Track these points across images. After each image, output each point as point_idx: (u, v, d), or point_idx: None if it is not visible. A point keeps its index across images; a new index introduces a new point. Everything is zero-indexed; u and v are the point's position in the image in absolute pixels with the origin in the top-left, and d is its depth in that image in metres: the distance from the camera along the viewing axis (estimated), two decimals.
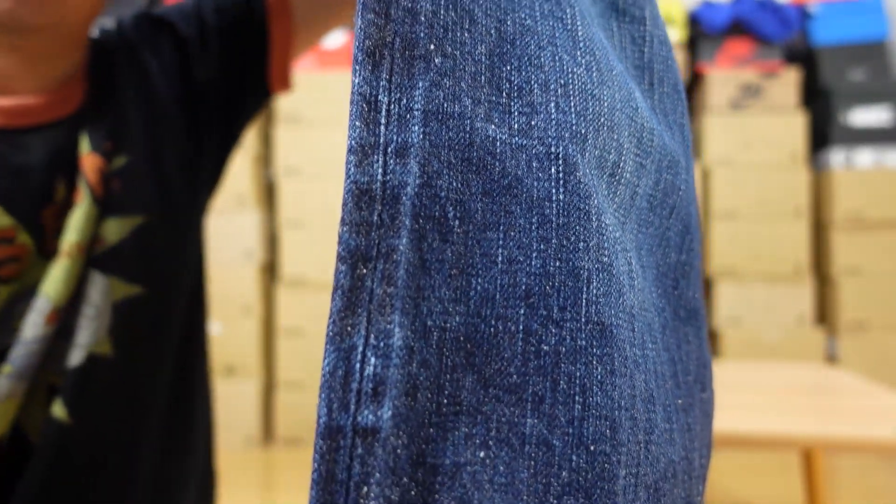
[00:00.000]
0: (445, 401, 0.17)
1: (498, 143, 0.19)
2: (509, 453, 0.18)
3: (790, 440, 0.93)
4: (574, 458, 0.18)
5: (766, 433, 0.93)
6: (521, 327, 0.18)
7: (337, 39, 2.25)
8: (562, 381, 0.18)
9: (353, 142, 0.18)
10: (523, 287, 0.19)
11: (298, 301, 2.16)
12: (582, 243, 0.19)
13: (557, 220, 0.19)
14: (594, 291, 0.19)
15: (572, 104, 0.20)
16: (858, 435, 0.91)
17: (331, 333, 0.17)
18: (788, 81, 2.17)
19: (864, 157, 2.13)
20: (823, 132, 2.19)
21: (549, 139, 0.20)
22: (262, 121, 2.28)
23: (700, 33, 2.22)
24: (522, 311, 0.19)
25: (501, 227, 0.19)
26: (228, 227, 2.17)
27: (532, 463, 0.18)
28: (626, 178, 0.23)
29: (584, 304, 0.19)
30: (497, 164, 0.19)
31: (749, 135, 2.16)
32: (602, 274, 0.20)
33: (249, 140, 2.18)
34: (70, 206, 0.46)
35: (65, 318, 0.45)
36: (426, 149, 0.18)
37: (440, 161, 0.18)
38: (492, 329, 0.18)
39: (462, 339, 0.18)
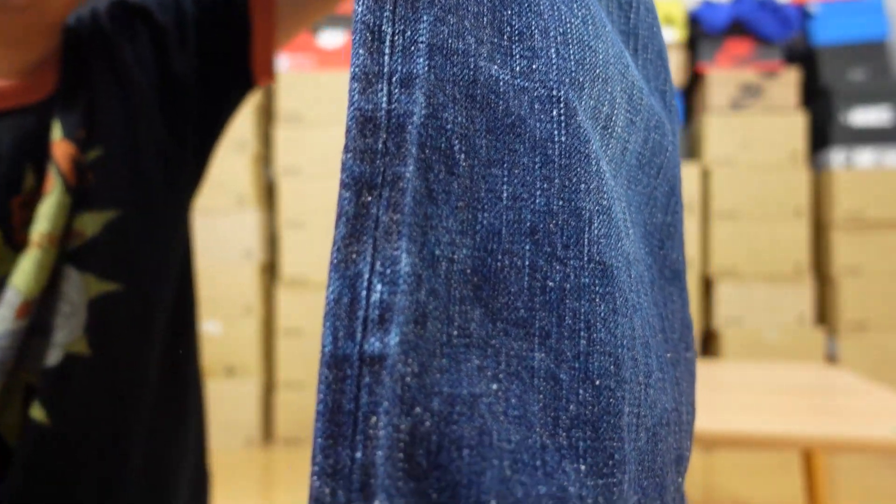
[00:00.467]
0: (455, 332, 0.17)
1: (501, 83, 0.19)
2: (520, 386, 0.18)
3: (790, 440, 0.93)
4: (581, 391, 0.18)
5: (766, 433, 0.93)
6: (526, 263, 0.19)
7: (337, 39, 2.25)
8: (567, 317, 0.19)
9: (356, 69, 0.18)
10: (528, 224, 0.19)
11: (298, 301, 2.16)
12: (583, 185, 0.20)
13: (560, 161, 0.19)
14: (595, 232, 0.20)
15: (571, 52, 0.20)
16: (858, 435, 0.91)
17: (335, 261, 0.17)
18: (788, 81, 2.17)
19: (865, 157, 2.13)
20: (823, 132, 2.19)
21: (551, 83, 0.20)
22: (262, 121, 2.28)
23: (700, 33, 2.22)
24: (528, 248, 0.19)
25: (506, 165, 0.19)
26: (228, 227, 2.17)
27: (541, 396, 0.18)
28: (617, 132, 0.23)
29: (586, 243, 0.19)
30: (500, 102, 0.19)
31: (749, 135, 2.16)
32: (602, 216, 0.20)
33: (249, 140, 2.18)
34: (40, 194, 0.45)
35: (39, 314, 0.44)
36: (431, 81, 0.18)
37: (445, 95, 0.18)
38: (498, 264, 0.18)
39: (469, 272, 0.18)
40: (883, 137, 2.13)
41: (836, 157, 2.15)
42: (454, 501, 0.16)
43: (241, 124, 2.18)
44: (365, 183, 0.17)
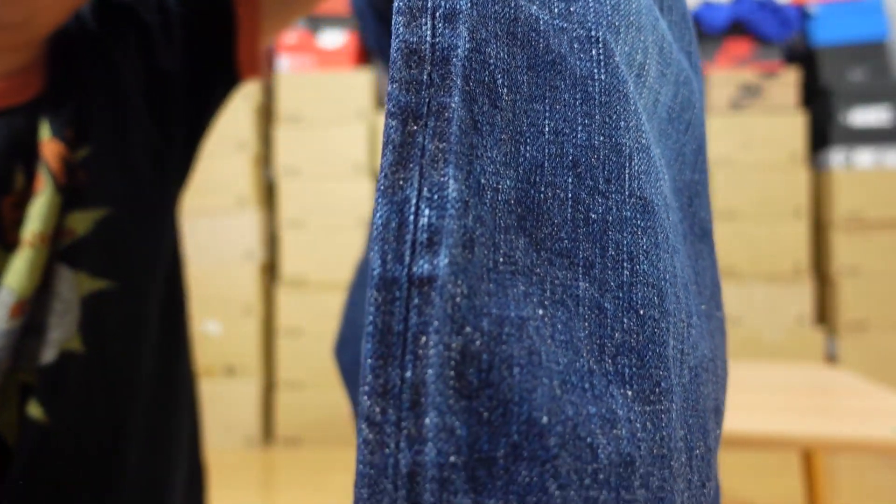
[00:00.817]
0: (501, 259, 0.18)
1: (541, 22, 0.20)
2: (565, 313, 0.18)
3: (790, 440, 0.93)
4: (625, 320, 0.19)
5: (766, 433, 0.93)
6: (569, 195, 0.19)
7: (337, 39, 2.25)
8: (610, 248, 0.19)
9: (400, 3, 0.18)
10: (570, 157, 0.19)
11: (298, 301, 2.16)
12: (623, 122, 0.20)
13: (600, 98, 0.20)
14: (636, 168, 0.20)
15: None
16: (858, 435, 0.91)
17: (382, 187, 0.17)
18: (788, 81, 2.17)
19: (864, 157, 2.14)
20: (823, 132, 2.19)
21: (589, 24, 0.20)
22: (262, 121, 2.28)
23: (700, 33, 2.22)
24: (570, 180, 0.19)
25: (547, 100, 0.19)
26: (228, 227, 2.17)
27: (587, 324, 0.18)
28: (649, 82, 0.23)
29: (626, 178, 0.20)
30: (541, 40, 0.19)
31: (749, 135, 2.16)
32: (642, 154, 0.20)
33: (249, 140, 2.19)
34: (30, 195, 0.45)
35: (33, 314, 0.44)
36: (474, 17, 0.18)
37: (487, 31, 0.19)
38: (542, 195, 0.19)
39: (513, 202, 0.18)
40: (883, 137, 2.13)
41: (836, 157, 2.15)
42: (505, 419, 0.16)
43: (241, 124, 2.18)
44: (411, 112, 0.18)
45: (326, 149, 2.19)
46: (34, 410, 0.43)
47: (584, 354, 0.18)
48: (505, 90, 0.19)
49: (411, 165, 0.17)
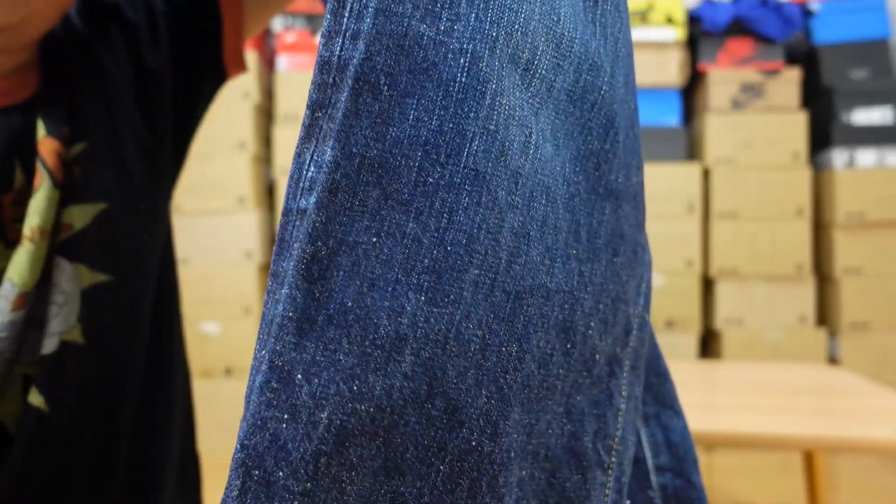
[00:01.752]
0: (357, 202, 0.25)
1: (425, 38, 0.26)
2: (392, 242, 0.25)
3: (791, 441, 0.93)
4: (435, 251, 0.26)
5: (767, 434, 0.93)
6: (416, 164, 0.26)
7: None
8: (437, 202, 0.26)
9: (324, 29, 0.26)
10: (423, 138, 0.26)
11: None
12: (472, 113, 0.26)
13: (456, 96, 0.26)
14: (475, 148, 0.26)
15: (489, 15, 0.27)
16: (860, 435, 0.91)
17: (295, 153, 0.26)
18: (790, 80, 2.16)
19: (866, 156, 2.13)
20: (825, 132, 2.19)
21: (464, 39, 0.26)
22: (262, 121, 2.28)
23: (701, 32, 2.22)
24: (420, 154, 0.26)
25: (417, 96, 0.26)
26: (228, 227, 2.17)
27: (406, 251, 0.26)
28: (540, 73, 0.29)
29: (465, 154, 0.26)
30: (421, 51, 0.26)
31: (750, 134, 2.15)
32: (485, 136, 0.27)
33: (249, 140, 2.18)
34: (29, 192, 0.46)
35: (34, 306, 0.45)
36: (372, 34, 0.25)
37: (380, 44, 0.25)
38: (397, 162, 0.26)
39: (376, 165, 0.26)
40: (885, 137, 2.12)
41: (838, 156, 2.14)
42: (327, 299, 0.25)
43: (241, 124, 2.18)
44: (318, 105, 0.26)
45: None
46: (35, 399, 0.45)
47: (397, 270, 0.25)
48: (385, 87, 0.26)
49: (312, 139, 0.26)
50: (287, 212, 0.26)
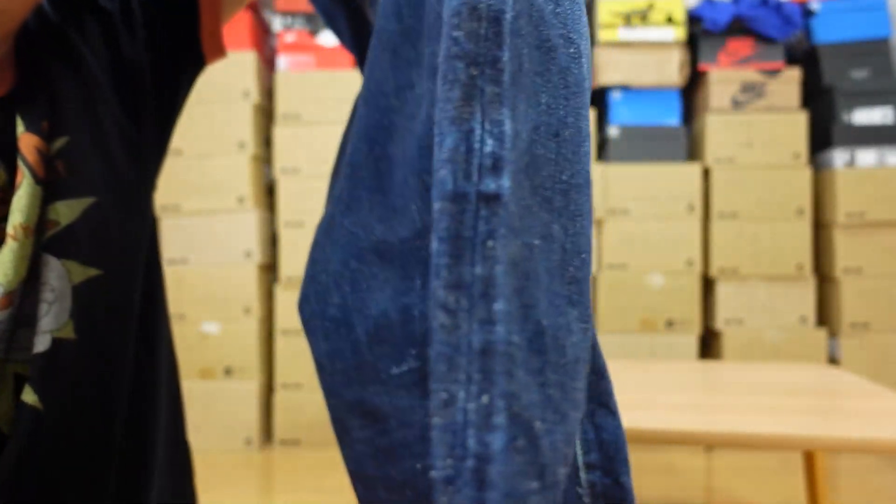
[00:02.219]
0: (540, 181, 0.23)
1: (546, 13, 0.24)
2: (546, 245, 0.23)
3: (791, 441, 0.93)
4: (575, 260, 0.25)
5: (768, 434, 0.93)
6: (552, 156, 0.24)
7: (336, 39, 2.25)
8: (571, 204, 0.24)
9: None
10: (554, 127, 0.24)
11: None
12: (584, 111, 0.25)
13: (573, 88, 0.25)
14: (585, 148, 0.25)
15: (581, 14, 0.27)
16: (860, 436, 0.91)
17: (451, 116, 0.22)
18: (790, 80, 2.16)
19: (867, 156, 2.12)
20: (825, 131, 2.18)
21: (568, 26, 0.25)
22: (261, 121, 2.28)
23: (701, 32, 2.21)
24: (552, 146, 0.24)
25: (544, 77, 0.24)
26: (228, 227, 2.17)
27: (557, 256, 0.24)
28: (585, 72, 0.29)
29: (581, 154, 0.25)
30: (545, 28, 0.24)
31: (750, 134, 2.15)
32: (588, 140, 0.26)
33: (249, 140, 2.18)
34: (13, 189, 0.45)
35: (23, 305, 0.45)
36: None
37: (521, 6, 0.23)
38: (537, 150, 0.23)
39: (523, 148, 0.23)
40: (885, 137, 2.12)
41: (838, 156, 2.14)
42: (528, 321, 0.21)
43: (241, 124, 2.17)
44: (472, 58, 0.22)
45: (326, 148, 2.19)
46: (29, 397, 0.44)
47: (555, 279, 0.23)
48: (525, 59, 0.23)
49: (474, 103, 0.22)
50: (458, 197, 0.21)
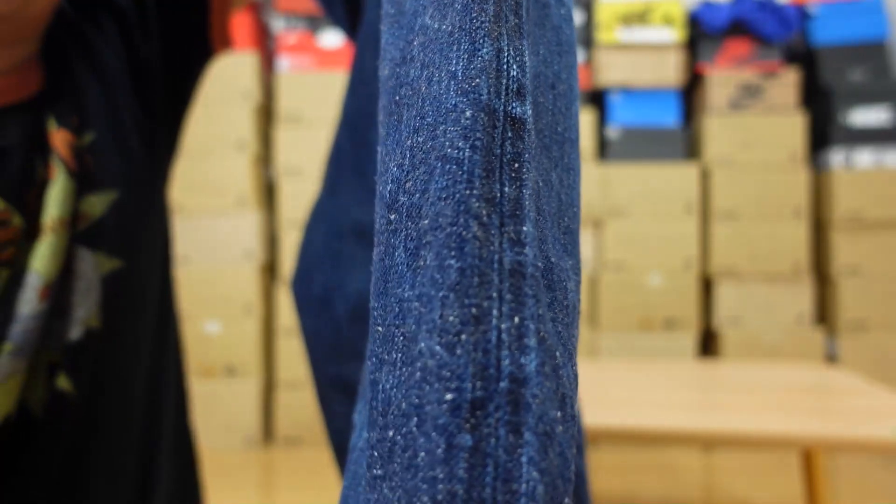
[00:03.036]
0: (541, 128, 0.23)
1: None
2: (547, 191, 0.23)
3: (790, 440, 0.93)
4: (569, 211, 0.25)
5: (766, 433, 0.94)
6: (549, 107, 0.25)
7: (337, 39, 2.26)
8: (565, 157, 0.25)
9: None
10: (550, 80, 0.25)
11: None
12: (574, 70, 0.26)
13: (564, 47, 0.26)
14: (575, 109, 0.26)
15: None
16: (858, 435, 0.92)
17: (486, 28, 0.21)
18: (788, 82, 2.17)
19: (864, 157, 2.14)
20: (823, 132, 2.19)
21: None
22: (262, 121, 2.28)
23: (700, 33, 2.22)
24: (550, 97, 0.25)
25: (541, 30, 0.24)
26: (228, 227, 2.18)
27: (554, 203, 0.23)
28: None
29: (573, 112, 0.25)
30: None
31: (749, 135, 2.16)
32: (577, 101, 0.26)
33: (249, 140, 2.19)
34: (46, 183, 0.47)
35: (58, 296, 0.46)
36: None
37: None
38: (537, 99, 0.24)
39: (528, 83, 0.22)
40: (883, 137, 2.13)
41: (836, 157, 2.15)
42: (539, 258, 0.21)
43: (241, 124, 2.18)
44: None
45: (326, 149, 2.19)
46: (63, 383, 0.46)
47: (553, 225, 0.23)
48: (528, 9, 0.23)
49: (502, 26, 0.21)
50: (490, 110, 0.20)
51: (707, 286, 2.21)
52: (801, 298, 2.13)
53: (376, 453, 0.19)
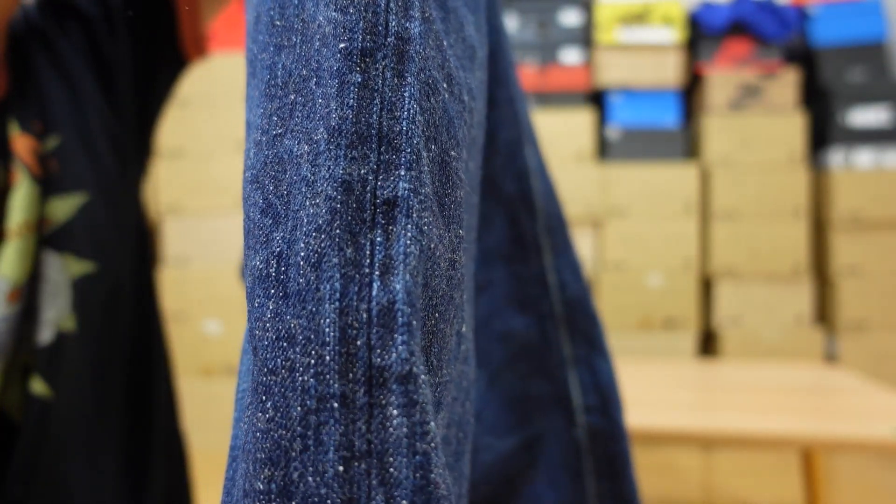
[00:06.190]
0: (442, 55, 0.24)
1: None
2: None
3: (790, 440, 0.93)
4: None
5: (766, 433, 0.94)
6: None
7: None
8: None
9: None
10: (453, 77, 0.26)
11: None
12: (478, 73, 0.28)
13: (470, 53, 0.27)
14: (478, 104, 0.28)
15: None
16: (858, 435, 0.92)
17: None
18: (788, 82, 2.17)
19: (864, 157, 2.14)
20: (823, 132, 2.20)
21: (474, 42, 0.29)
22: None
23: (699, 34, 2.22)
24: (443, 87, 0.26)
25: (449, 34, 0.26)
26: (229, 228, 2.18)
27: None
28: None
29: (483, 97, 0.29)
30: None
31: (748, 135, 2.16)
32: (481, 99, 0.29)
33: None
34: (8, 189, 0.48)
35: (28, 299, 0.47)
36: None
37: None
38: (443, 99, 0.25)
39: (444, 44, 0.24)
40: (882, 137, 2.13)
41: (836, 157, 2.15)
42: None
43: (241, 124, 2.18)
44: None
45: None
46: (38, 387, 0.47)
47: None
48: (433, 9, 0.24)
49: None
50: (365, 53, 0.22)
51: (707, 286, 2.21)
52: (800, 298, 2.13)
53: (275, 117, 0.22)
